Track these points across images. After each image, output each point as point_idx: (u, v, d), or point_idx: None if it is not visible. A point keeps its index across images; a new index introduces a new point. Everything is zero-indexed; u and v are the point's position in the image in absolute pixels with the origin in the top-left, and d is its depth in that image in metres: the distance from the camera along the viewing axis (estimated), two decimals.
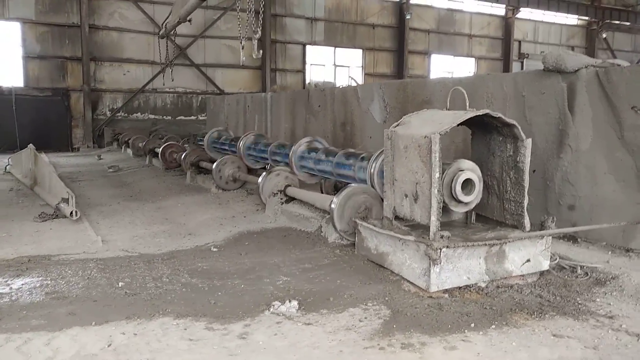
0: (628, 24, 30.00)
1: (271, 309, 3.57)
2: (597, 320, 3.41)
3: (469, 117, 4.17)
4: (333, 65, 24.01)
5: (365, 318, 3.45)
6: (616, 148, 5.05)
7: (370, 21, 24.41)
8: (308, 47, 23.27)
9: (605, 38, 30.18)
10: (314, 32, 23.30)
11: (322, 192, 6.71)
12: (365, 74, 24.48)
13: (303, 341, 3.13)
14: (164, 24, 17.09)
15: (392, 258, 4.32)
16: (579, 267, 4.32)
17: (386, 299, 3.77)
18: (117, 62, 19.91)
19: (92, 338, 3.13)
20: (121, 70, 20.05)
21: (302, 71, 23.32)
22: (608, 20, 29.09)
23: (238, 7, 12.62)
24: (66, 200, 6.65)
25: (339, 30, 23.83)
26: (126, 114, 20.30)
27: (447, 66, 26.52)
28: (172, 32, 17.07)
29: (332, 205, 5.13)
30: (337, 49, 23.96)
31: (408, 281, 4.05)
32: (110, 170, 12.03)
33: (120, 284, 4.09)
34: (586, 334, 3.21)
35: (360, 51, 24.44)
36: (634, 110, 4.86)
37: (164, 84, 19.82)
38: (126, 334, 3.20)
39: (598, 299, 3.77)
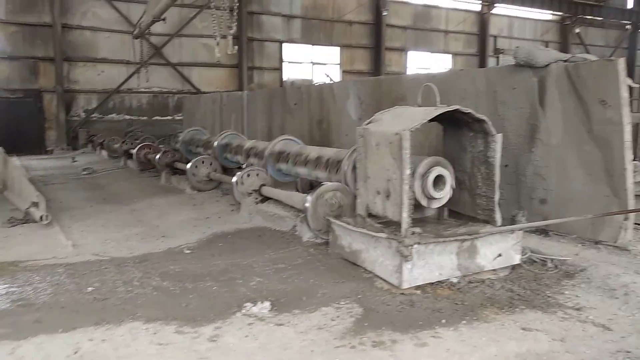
0: (600, 19, 30.50)
1: (243, 311, 3.54)
2: (565, 313, 3.46)
3: (440, 113, 4.19)
4: (310, 63, 23.95)
5: (338, 317, 3.44)
6: (585, 142, 5.12)
7: (347, 18, 24.39)
8: (285, 44, 23.17)
9: (578, 33, 30.64)
10: (290, 29, 23.21)
11: (297, 191, 6.68)
12: (343, 72, 24.47)
13: (274, 342, 3.11)
14: (138, 24, 16.86)
15: (365, 255, 4.32)
16: (549, 260, 4.38)
17: (359, 297, 3.77)
18: (91, 62, 19.56)
19: (58, 346, 3.07)
20: (95, 71, 19.71)
21: (280, 69, 23.21)
22: (581, 16, 29.53)
23: (212, 4, 12.51)
24: (36, 204, 6.51)
25: (315, 28, 23.76)
26: (101, 115, 19.97)
27: (424, 62, 26.65)
28: (146, 32, 16.84)
29: (306, 204, 5.11)
30: (314, 46, 23.90)
31: (381, 278, 4.06)
32: (84, 172, 11.82)
33: (89, 289, 4.02)
34: (554, 327, 3.24)
35: (337, 48, 24.41)
36: (602, 104, 4.93)
37: (139, 85, 19.54)
38: (94, 340, 3.14)
39: (567, 292, 3.82)
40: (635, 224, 5.07)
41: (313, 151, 6.41)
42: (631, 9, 31.96)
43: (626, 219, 4.74)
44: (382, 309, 3.53)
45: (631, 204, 4.73)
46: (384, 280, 4.01)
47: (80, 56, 19.32)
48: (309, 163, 6.24)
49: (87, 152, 17.07)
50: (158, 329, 3.29)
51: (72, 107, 19.47)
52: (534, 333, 3.16)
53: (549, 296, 3.73)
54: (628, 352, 2.92)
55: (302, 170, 6.43)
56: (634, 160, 5.01)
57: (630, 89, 4.88)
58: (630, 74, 28.93)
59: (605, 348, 2.97)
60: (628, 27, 32.33)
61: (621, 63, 4.82)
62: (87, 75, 19.57)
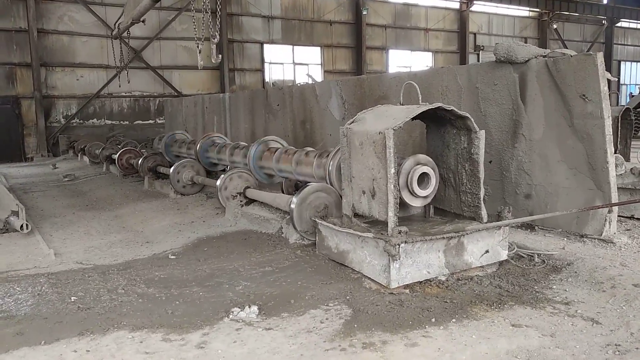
0: (577, 14, 30.95)
1: (230, 316, 3.49)
2: (553, 308, 3.46)
3: (422, 111, 4.18)
4: (292, 64, 23.89)
5: (327, 319, 3.41)
6: (567, 136, 5.15)
7: (327, 18, 24.38)
8: (266, 45, 23.09)
9: (555, 29, 31.04)
10: (271, 30, 23.14)
11: (283, 192, 6.63)
12: (325, 72, 24.46)
13: (263, 347, 3.07)
14: (117, 24, 16.63)
15: (353, 256, 4.29)
16: (536, 255, 4.40)
17: (347, 298, 3.74)
18: (69, 67, 19.28)
19: (40, 358, 2.99)
20: (74, 76, 19.43)
21: (261, 70, 23.13)
22: (557, 11, 29.93)
23: (193, 7, 12.37)
24: (16, 213, 6.37)
25: (296, 28, 23.72)
26: (81, 121, 19.70)
27: (405, 61, 26.76)
28: (125, 33, 16.62)
29: (292, 205, 5.07)
30: (295, 47, 23.85)
31: (369, 278, 4.03)
32: (66, 179, 11.64)
33: (72, 298, 3.93)
34: (543, 322, 3.25)
35: (318, 49, 24.40)
36: (582, 98, 4.96)
37: (119, 86, 19.21)
38: (78, 351, 3.07)
39: (554, 286, 3.83)
40: (619, 216, 5.12)
41: (297, 152, 6.36)
42: (606, 4, 32.51)
43: (610, 211, 4.78)
44: (371, 310, 3.51)
45: (614, 196, 4.77)
46: (372, 280, 3.99)
47: (57, 61, 19.04)
48: (294, 164, 6.19)
49: (68, 158, 16.82)
50: (144, 338, 3.22)
51: (52, 113, 19.17)
52: (523, 329, 3.16)
53: (537, 291, 3.74)
54: (617, 345, 2.93)
55: (287, 171, 6.38)
56: (615, 153, 5.06)
57: (609, 82, 4.92)
58: (608, 67, 29.43)
59: (595, 342, 2.98)
60: (604, 21, 32.86)
61: (600, 57, 4.85)
62: (65, 80, 19.29)
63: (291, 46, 23.75)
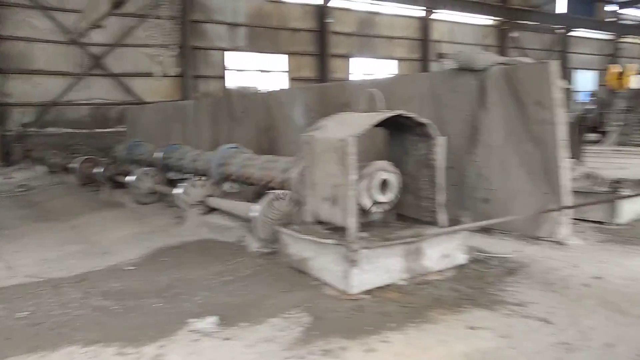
0: (535, 23, 31.90)
1: (188, 327, 3.42)
2: (508, 309, 3.52)
3: (383, 118, 4.21)
4: (257, 71, 23.81)
5: (286, 327, 3.38)
6: (524, 141, 5.28)
7: (292, 25, 24.40)
8: (230, 53, 22.94)
9: (515, 37, 31.90)
10: (235, 37, 22.99)
11: (245, 200, 6.56)
12: (291, 79, 24.45)
13: (220, 358, 3.02)
14: (75, 27, 16.20)
15: (314, 263, 4.27)
16: (493, 259, 4.47)
17: (308, 305, 3.71)
18: (26, 73, 18.69)
19: None
20: (31, 83, 18.82)
21: (225, 77, 22.95)
22: (515, 21, 30.77)
23: (151, 15, 12.21)
24: None
25: (261, 36, 23.64)
26: (38, 129, 19.11)
27: (370, 68, 26.99)
28: (86, 40, 16.18)
29: (253, 214, 5.02)
30: (260, 54, 23.77)
31: (330, 285, 4.02)
32: (20, 189, 11.24)
33: (23, 313, 3.77)
34: (499, 324, 3.30)
35: (285, 56, 24.38)
36: (537, 104, 5.11)
37: (78, 91, 18.64)
38: None
39: (509, 288, 3.91)
40: (574, 219, 5.26)
41: (260, 159, 6.32)
42: (563, 13, 33.65)
43: (563, 214, 4.92)
44: (331, 316, 3.50)
45: (566, 200, 4.92)
46: (333, 287, 3.98)
47: (13, 68, 18.42)
48: (256, 171, 6.15)
49: (23, 168, 16.24)
50: (97, 352, 3.13)
51: (6, 121, 18.53)
52: (480, 331, 3.20)
53: (493, 294, 3.80)
54: (568, 344, 3.01)
55: (250, 179, 6.33)
56: (570, 157, 5.21)
57: (567, 89, 5.08)
58: (564, 75, 30.31)
59: (547, 341, 3.04)
60: (560, 30, 33.98)
61: (553, 65, 5.01)
62: (22, 87, 18.66)
63: (256, 53, 23.67)
